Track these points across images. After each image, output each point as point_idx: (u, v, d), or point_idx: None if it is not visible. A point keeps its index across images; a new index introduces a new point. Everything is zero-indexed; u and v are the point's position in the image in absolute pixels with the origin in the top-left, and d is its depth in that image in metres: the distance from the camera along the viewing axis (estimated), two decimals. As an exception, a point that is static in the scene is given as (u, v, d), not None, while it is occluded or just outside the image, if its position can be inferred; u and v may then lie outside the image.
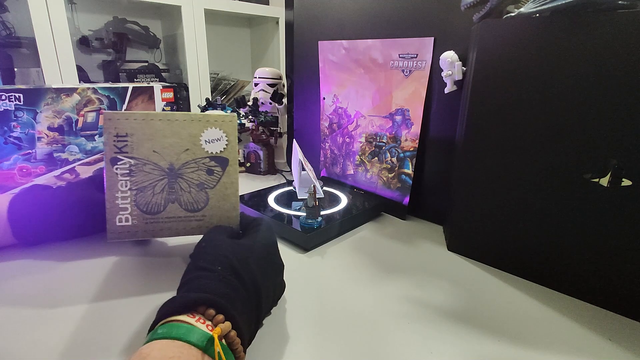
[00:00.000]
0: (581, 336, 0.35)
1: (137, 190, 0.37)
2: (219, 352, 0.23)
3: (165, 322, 0.25)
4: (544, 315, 0.37)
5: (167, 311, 0.26)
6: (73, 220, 0.47)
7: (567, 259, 0.40)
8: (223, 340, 0.25)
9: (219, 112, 0.48)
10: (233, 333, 0.26)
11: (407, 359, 0.31)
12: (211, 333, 0.24)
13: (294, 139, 0.61)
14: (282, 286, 0.38)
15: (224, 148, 0.39)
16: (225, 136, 0.39)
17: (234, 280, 0.29)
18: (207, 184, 0.39)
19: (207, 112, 0.44)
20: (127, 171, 0.36)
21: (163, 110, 0.85)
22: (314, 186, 0.50)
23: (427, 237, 0.54)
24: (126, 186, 0.37)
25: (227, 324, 0.26)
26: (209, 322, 0.25)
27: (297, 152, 0.54)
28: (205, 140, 0.38)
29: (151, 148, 0.37)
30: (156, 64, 1.85)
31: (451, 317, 0.37)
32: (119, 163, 0.36)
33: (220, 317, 0.26)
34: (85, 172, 0.75)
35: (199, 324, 0.25)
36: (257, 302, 0.30)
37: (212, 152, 0.39)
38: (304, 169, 0.54)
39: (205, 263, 0.30)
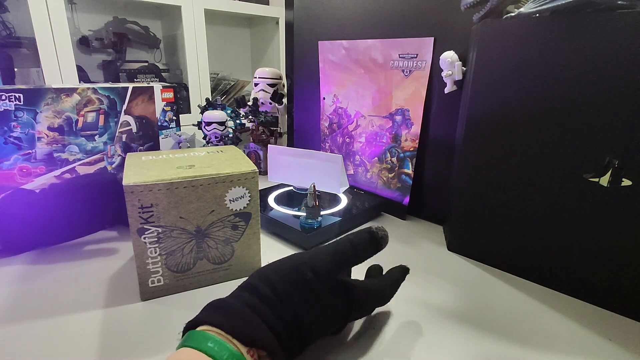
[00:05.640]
0: (581, 336, 0.35)
1: (166, 255, 0.37)
2: None
3: (217, 333, 0.24)
4: (544, 316, 0.37)
5: (231, 328, 0.24)
6: (60, 225, 0.47)
7: (567, 259, 0.40)
8: None
9: (234, 149, 0.47)
10: None
11: (407, 358, 0.31)
12: None
13: (269, 145, 0.60)
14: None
15: (247, 204, 0.40)
16: (248, 192, 0.39)
17: (293, 328, 0.27)
18: (232, 238, 0.40)
19: (222, 159, 0.43)
20: (156, 239, 0.36)
21: (163, 110, 0.85)
22: (314, 185, 0.50)
23: (427, 237, 0.54)
24: (155, 252, 0.36)
25: None
26: (256, 357, 0.25)
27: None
28: (230, 200, 0.38)
29: (177, 215, 0.36)
30: (156, 64, 1.85)
31: (451, 317, 0.37)
32: (146, 233, 0.35)
33: (264, 355, 0.25)
34: (85, 172, 0.74)
35: (248, 357, 0.24)
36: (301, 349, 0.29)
37: (236, 210, 0.39)
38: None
39: (282, 286, 0.27)
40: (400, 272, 0.36)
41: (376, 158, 0.63)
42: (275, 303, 0.27)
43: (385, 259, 0.47)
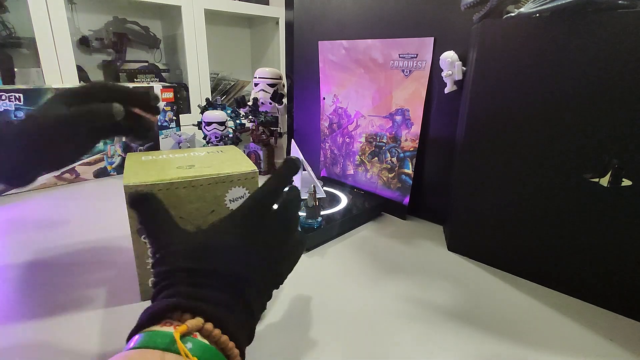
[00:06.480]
0: (581, 336, 0.35)
1: None
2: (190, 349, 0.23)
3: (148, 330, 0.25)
4: (544, 315, 0.37)
5: (139, 325, 0.25)
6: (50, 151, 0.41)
7: (567, 259, 0.40)
8: (199, 337, 0.24)
9: (234, 149, 0.47)
10: (208, 326, 0.25)
11: (407, 359, 0.31)
12: (172, 331, 0.24)
13: (292, 139, 0.61)
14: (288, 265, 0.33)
15: None
16: (248, 192, 0.39)
17: (205, 280, 0.27)
18: None
19: (223, 159, 0.43)
20: None
21: (163, 110, 0.85)
22: (314, 186, 0.50)
23: (427, 237, 0.54)
24: None
25: (197, 320, 0.25)
26: (178, 323, 0.25)
27: (298, 153, 0.55)
28: (230, 200, 0.38)
29: (177, 215, 0.36)
30: (156, 64, 1.85)
31: (451, 317, 0.37)
32: None
33: (187, 316, 0.25)
34: (85, 172, 0.75)
35: (164, 328, 0.24)
36: (241, 295, 0.28)
37: None
38: (304, 169, 0.54)
39: (171, 265, 0.28)
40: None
41: (376, 158, 0.63)
42: (168, 259, 0.28)
43: (385, 259, 0.48)
